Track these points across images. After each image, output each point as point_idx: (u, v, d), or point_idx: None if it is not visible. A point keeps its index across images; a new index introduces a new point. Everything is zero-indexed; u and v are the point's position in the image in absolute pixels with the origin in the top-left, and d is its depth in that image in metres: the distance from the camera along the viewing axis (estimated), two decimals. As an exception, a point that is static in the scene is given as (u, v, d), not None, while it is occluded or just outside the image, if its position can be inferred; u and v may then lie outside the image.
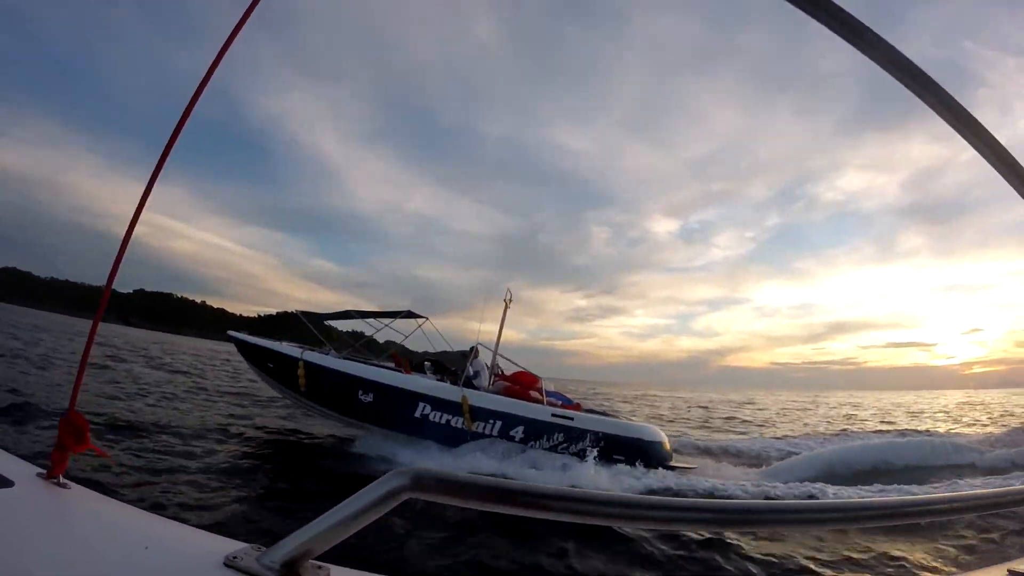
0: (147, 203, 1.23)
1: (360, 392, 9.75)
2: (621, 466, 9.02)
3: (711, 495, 8.10)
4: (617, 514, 0.70)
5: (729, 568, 5.22)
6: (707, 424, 22.16)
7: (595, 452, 9.10)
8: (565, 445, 9.34)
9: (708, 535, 5.79)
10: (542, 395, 10.19)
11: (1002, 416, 25.93)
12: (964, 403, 43.71)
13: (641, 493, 6.79)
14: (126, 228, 1.24)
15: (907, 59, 0.83)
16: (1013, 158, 0.92)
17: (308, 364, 9.91)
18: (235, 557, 0.70)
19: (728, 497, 7.86)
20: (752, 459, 12.10)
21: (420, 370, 10.92)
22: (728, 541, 5.76)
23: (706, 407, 35.20)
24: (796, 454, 12.04)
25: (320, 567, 0.71)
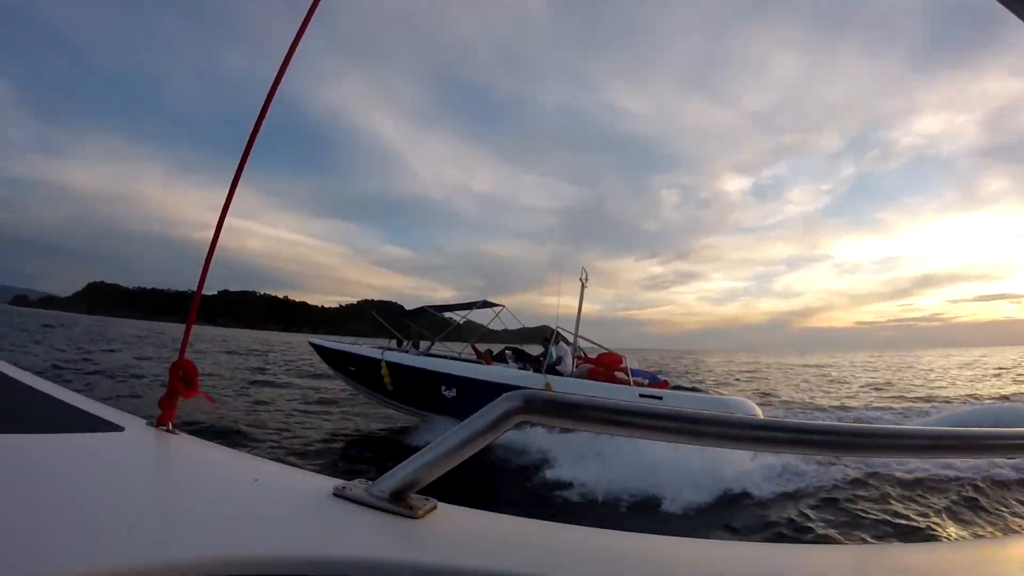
0: (227, 206, 1.26)
1: (443, 387, 9.72)
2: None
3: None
4: (721, 434, 0.66)
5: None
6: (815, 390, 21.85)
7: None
8: None
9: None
10: (628, 375, 9.87)
11: None
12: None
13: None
14: (210, 233, 1.26)
15: None
16: None
17: (390, 364, 9.98)
18: (344, 488, 0.72)
19: None
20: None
21: (502, 359, 10.76)
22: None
23: (819, 370, 35.01)
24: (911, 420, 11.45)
25: (427, 500, 0.71)
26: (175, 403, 1.11)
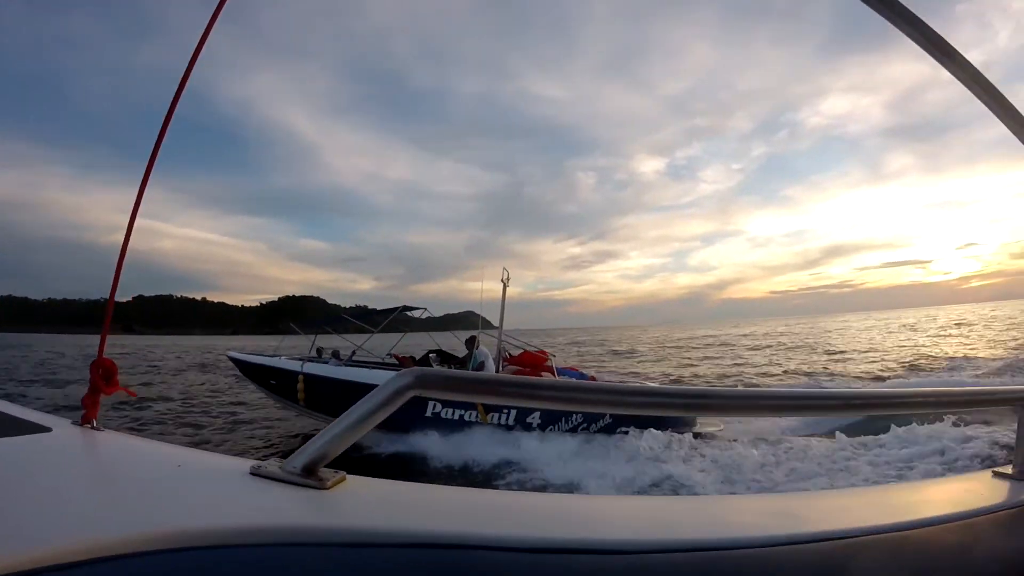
0: (137, 205, 1.25)
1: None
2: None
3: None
4: (604, 400, 0.75)
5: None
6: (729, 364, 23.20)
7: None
8: (585, 424, 8.93)
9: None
10: (553, 373, 9.81)
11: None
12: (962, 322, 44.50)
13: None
14: (120, 236, 1.26)
15: None
16: (987, 80, 0.95)
17: (308, 376, 9.65)
18: (259, 467, 0.77)
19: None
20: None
21: (426, 363, 10.47)
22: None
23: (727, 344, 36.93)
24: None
25: (336, 472, 0.76)
26: (97, 400, 1.13)
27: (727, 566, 0.64)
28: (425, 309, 11.07)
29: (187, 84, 1.24)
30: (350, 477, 0.77)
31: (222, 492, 0.72)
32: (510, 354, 10.35)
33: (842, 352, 24.76)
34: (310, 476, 0.73)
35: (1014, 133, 0.98)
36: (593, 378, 10.26)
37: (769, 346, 31.58)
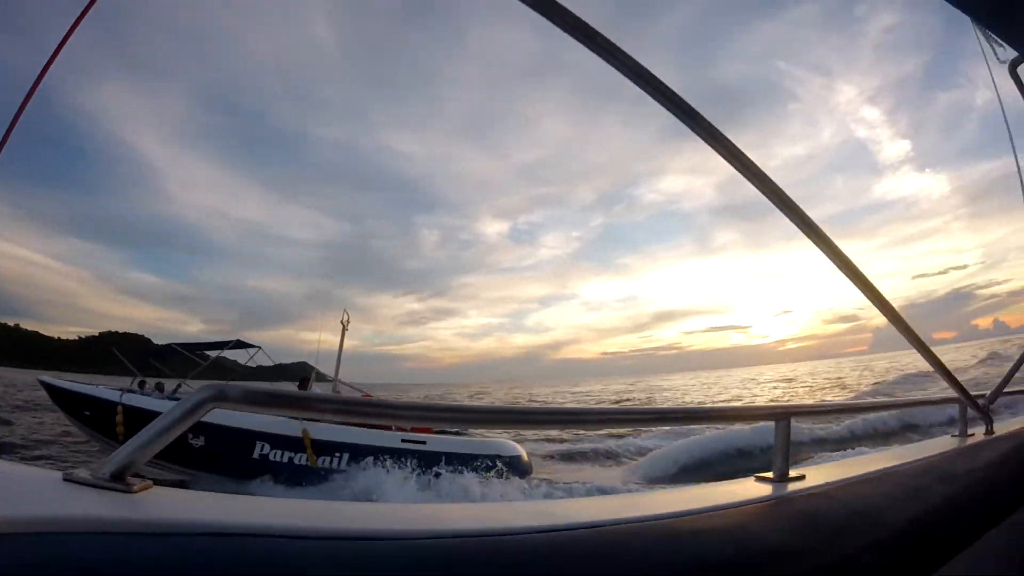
0: None
1: (190, 436, 8.58)
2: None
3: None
4: (407, 416, 0.85)
5: None
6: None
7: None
8: (421, 471, 9.07)
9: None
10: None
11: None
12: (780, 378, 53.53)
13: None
14: None
15: (683, 101, 1.06)
16: (774, 182, 1.16)
17: (128, 408, 8.94)
18: (71, 474, 0.77)
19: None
20: (607, 458, 12.42)
21: None
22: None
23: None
24: (649, 450, 12.40)
25: (144, 480, 0.78)
26: None
27: (497, 547, 0.71)
28: (260, 348, 10.55)
29: (38, 88, 1.23)
30: (157, 487, 0.79)
31: (33, 492, 0.74)
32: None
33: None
34: (118, 481, 0.75)
35: (799, 228, 1.21)
36: (429, 428, 9.74)
37: (620, 400, 34.42)
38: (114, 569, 0.58)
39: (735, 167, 1.14)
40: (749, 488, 1.13)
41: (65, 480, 0.77)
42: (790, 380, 47.67)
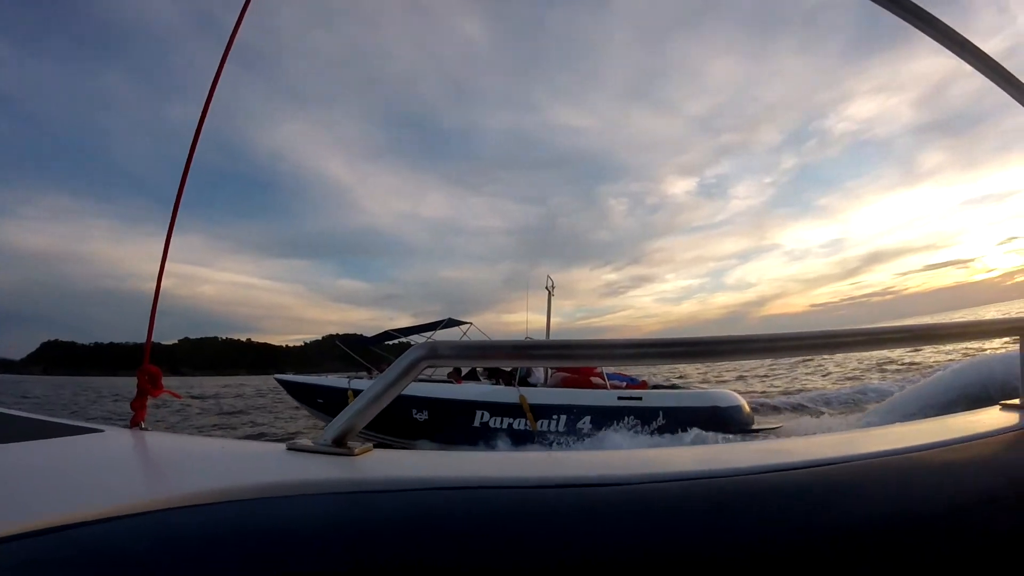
0: (168, 254, 1.37)
1: (414, 411, 9.59)
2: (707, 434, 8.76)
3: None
4: (600, 355, 0.86)
5: None
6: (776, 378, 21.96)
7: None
8: (639, 426, 9.04)
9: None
10: (604, 379, 9.79)
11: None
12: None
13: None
14: (155, 281, 1.36)
15: None
16: (1006, 70, 1.02)
17: (356, 392, 9.77)
18: (295, 443, 0.83)
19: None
20: (844, 406, 11.26)
21: (473, 378, 9.96)
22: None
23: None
24: (889, 394, 11.26)
25: (365, 444, 0.82)
26: (144, 403, 1.21)
27: (703, 491, 0.68)
28: (471, 324, 10.98)
29: (203, 130, 1.34)
30: (378, 450, 0.82)
31: (261, 463, 0.80)
32: (558, 362, 9.40)
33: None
34: (339, 446, 0.79)
35: None
36: (645, 383, 9.83)
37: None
38: (339, 526, 0.59)
39: (953, 51, 1.02)
40: (994, 418, 0.99)
41: (289, 449, 0.82)
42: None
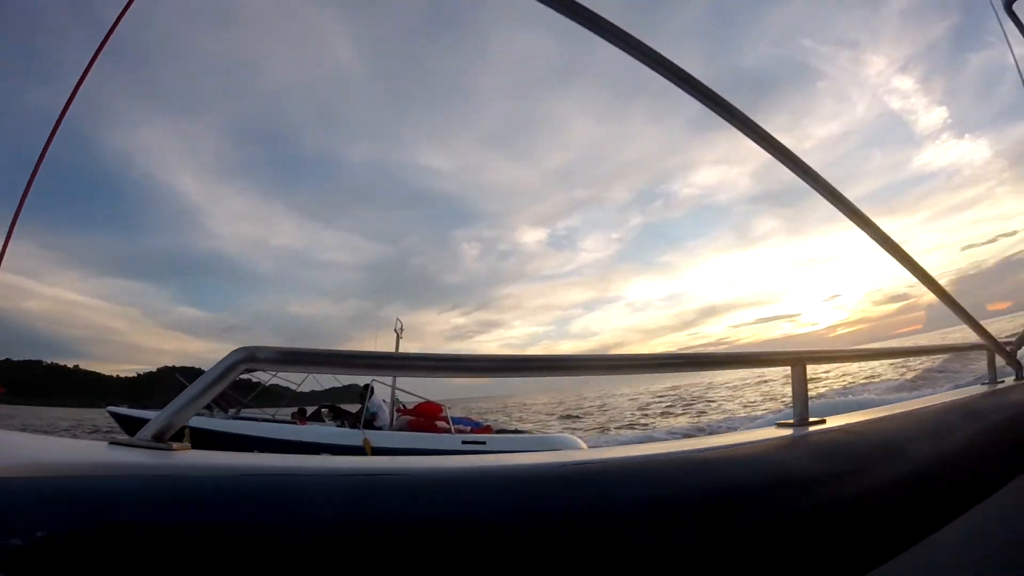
0: (1, 256, 1.25)
1: (255, 452, 9.58)
2: None
3: None
4: (430, 367, 0.86)
5: None
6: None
7: None
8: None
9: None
10: (449, 423, 9.95)
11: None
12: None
13: None
14: None
15: (716, 94, 1.10)
16: (807, 164, 1.19)
17: (194, 430, 9.47)
18: (116, 439, 0.82)
19: None
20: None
21: (318, 419, 9.91)
22: None
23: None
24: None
25: (184, 443, 0.81)
26: None
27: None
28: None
29: (60, 129, 1.23)
30: (196, 450, 0.82)
31: (80, 454, 0.79)
32: (404, 405, 9.73)
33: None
34: (158, 442, 0.78)
35: (836, 207, 1.24)
36: (489, 427, 10.17)
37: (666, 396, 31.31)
38: (149, 504, 0.61)
39: (768, 151, 1.16)
40: (770, 432, 1.13)
41: (111, 444, 0.83)
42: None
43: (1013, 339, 2.02)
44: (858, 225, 1.27)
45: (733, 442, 1.02)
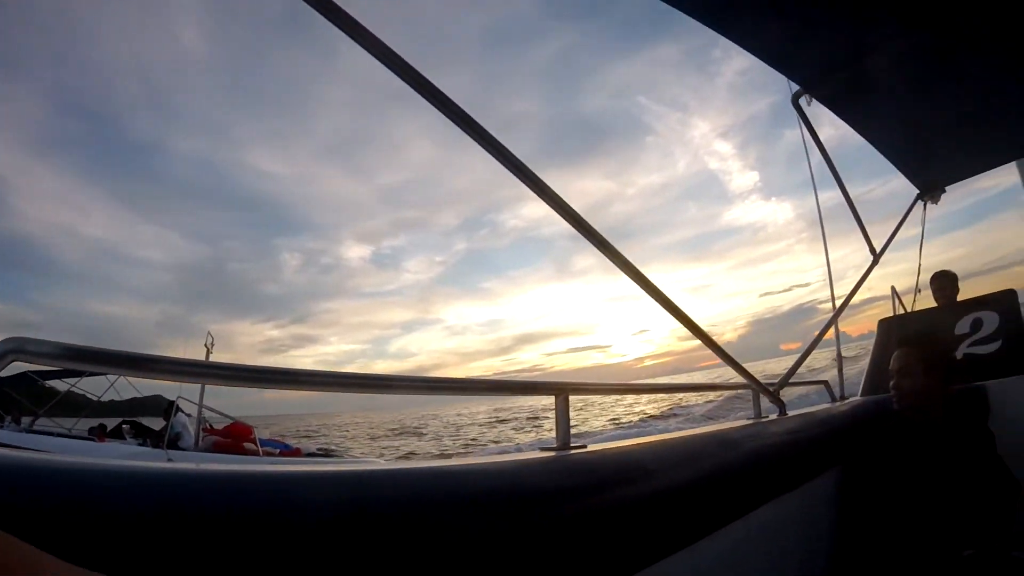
0: None
1: None
2: None
3: None
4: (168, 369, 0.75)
5: None
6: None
7: None
8: None
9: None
10: (257, 446, 9.96)
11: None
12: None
13: None
14: None
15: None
16: (580, 216, 1.29)
17: None
18: None
19: None
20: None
21: (118, 435, 9.71)
22: None
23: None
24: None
25: None
26: None
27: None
28: (119, 375, 9.92)
29: None
30: None
31: None
32: (211, 425, 9.82)
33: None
34: None
35: (607, 256, 1.35)
36: (299, 451, 10.46)
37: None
38: None
39: (545, 201, 1.28)
40: (534, 454, 1.18)
41: None
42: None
43: (776, 381, 2.23)
44: (630, 277, 1.39)
45: (498, 460, 1.07)
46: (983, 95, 2.79)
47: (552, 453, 1.19)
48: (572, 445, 1.25)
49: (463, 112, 1.12)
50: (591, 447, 1.28)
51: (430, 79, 1.05)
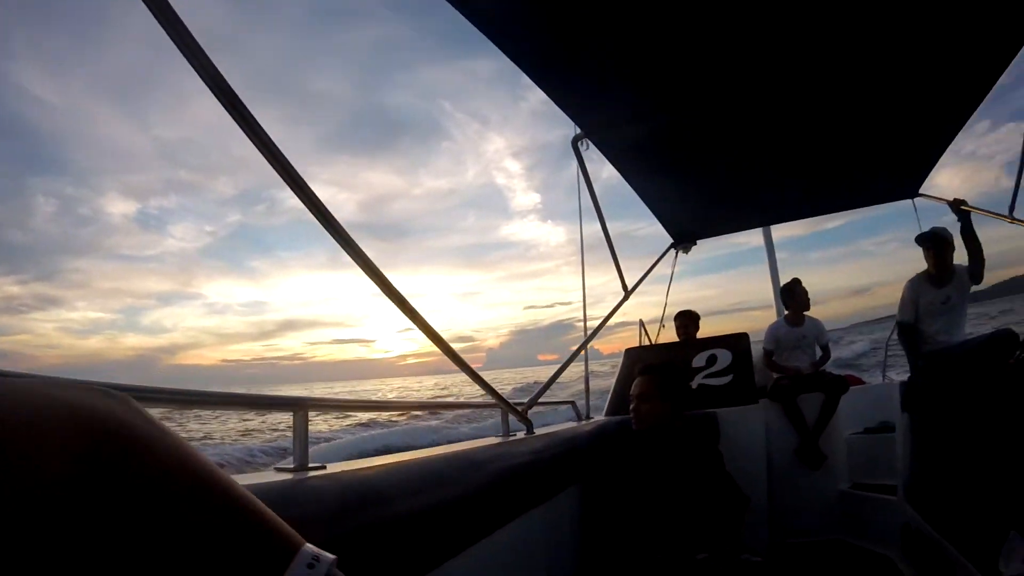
0: None
1: None
2: None
3: None
4: None
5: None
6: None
7: None
8: None
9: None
10: None
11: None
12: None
13: None
14: None
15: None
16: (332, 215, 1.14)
17: None
18: None
19: None
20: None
21: None
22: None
23: None
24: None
25: None
26: None
27: None
28: None
29: None
30: None
31: None
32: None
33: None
34: None
35: (352, 257, 1.20)
36: None
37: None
38: None
39: (285, 181, 1.18)
40: (268, 476, 1.04)
41: None
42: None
43: (526, 400, 2.22)
44: (375, 282, 1.30)
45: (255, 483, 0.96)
46: (737, 170, 3.23)
47: (288, 475, 1.06)
48: (311, 465, 1.13)
49: (224, 83, 1.04)
50: (331, 468, 1.15)
51: (202, 45, 0.97)
